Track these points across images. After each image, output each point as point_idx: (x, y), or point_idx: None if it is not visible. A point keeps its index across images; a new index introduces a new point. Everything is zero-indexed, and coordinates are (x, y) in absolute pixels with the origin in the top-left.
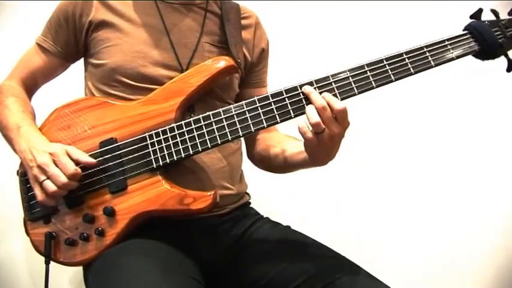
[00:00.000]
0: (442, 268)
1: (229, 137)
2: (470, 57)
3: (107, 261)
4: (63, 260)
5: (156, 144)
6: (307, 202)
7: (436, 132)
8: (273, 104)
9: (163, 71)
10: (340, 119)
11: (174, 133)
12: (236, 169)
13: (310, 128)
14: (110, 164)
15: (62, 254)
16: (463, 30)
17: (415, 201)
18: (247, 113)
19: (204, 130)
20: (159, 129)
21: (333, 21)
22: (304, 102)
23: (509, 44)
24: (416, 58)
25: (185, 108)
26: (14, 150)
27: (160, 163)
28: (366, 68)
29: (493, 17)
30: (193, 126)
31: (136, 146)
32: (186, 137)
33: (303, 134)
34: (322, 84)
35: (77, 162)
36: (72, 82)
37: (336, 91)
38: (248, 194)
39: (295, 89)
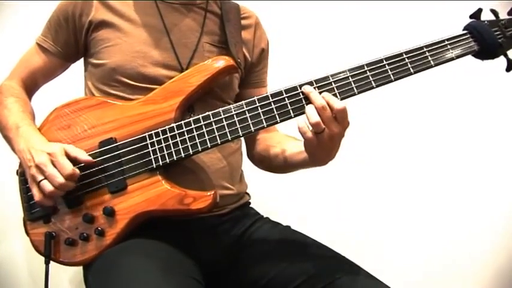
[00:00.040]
0: (443, 268)
1: (229, 137)
2: (469, 57)
3: (107, 261)
4: (63, 260)
5: (156, 144)
6: (307, 202)
7: (436, 132)
8: (272, 103)
9: (163, 71)
10: (340, 119)
11: (173, 133)
12: (236, 169)
13: (310, 128)
14: (109, 163)
15: (62, 254)
16: (463, 30)
17: (415, 201)
18: (247, 112)
19: (204, 130)
20: (159, 129)
21: (333, 21)
22: (304, 102)
23: (508, 43)
24: (416, 58)
25: (185, 108)
26: (13, 150)
27: (160, 163)
28: (366, 68)
29: (492, 17)
30: (193, 126)
31: (135, 146)
32: (186, 137)
33: (302, 133)
34: (322, 84)
35: (75, 161)
36: (72, 82)
37: (336, 91)
38: (248, 194)
39: (294, 88)
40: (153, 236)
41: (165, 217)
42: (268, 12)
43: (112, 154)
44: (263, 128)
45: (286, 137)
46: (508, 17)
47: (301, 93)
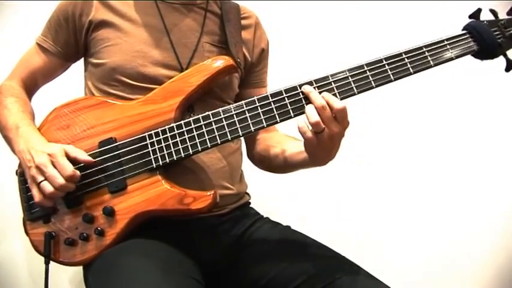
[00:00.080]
0: (442, 268)
1: (229, 137)
2: (469, 57)
3: (106, 261)
4: (63, 260)
5: (156, 144)
6: (307, 202)
7: (435, 132)
8: (272, 103)
9: (163, 70)
10: (340, 119)
11: (173, 133)
12: (236, 169)
13: (310, 128)
14: (109, 163)
15: (62, 254)
16: (462, 30)
17: (415, 201)
18: (246, 112)
19: (204, 130)
20: (159, 129)
21: (333, 21)
22: (304, 102)
23: (508, 43)
24: (416, 58)
25: (184, 108)
26: (13, 150)
27: (160, 163)
28: (366, 68)
29: (492, 17)
30: (192, 126)
31: (135, 146)
32: (186, 136)
33: (302, 133)
34: (322, 84)
35: (75, 161)
36: (72, 82)
37: (336, 91)
38: (248, 194)
39: (294, 88)
40: (153, 236)
41: (165, 217)
42: (268, 12)
43: (112, 154)
44: (263, 128)
45: (286, 137)
46: (507, 17)
47: (301, 93)
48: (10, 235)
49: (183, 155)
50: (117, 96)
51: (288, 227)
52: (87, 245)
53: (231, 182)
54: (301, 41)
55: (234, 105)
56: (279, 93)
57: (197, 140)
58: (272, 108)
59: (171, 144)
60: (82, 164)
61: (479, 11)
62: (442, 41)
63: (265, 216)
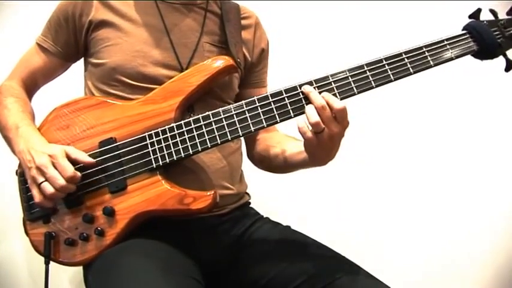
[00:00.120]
0: (442, 268)
1: (229, 137)
2: (469, 57)
3: (106, 261)
4: (63, 260)
5: (156, 144)
6: (307, 202)
7: (435, 132)
8: (272, 103)
9: (163, 70)
10: (340, 119)
11: (173, 133)
12: (236, 169)
13: (310, 128)
14: (109, 163)
15: (62, 254)
16: (462, 30)
17: (415, 201)
18: (246, 112)
19: (204, 130)
20: (159, 129)
21: (333, 21)
22: (304, 102)
23: (507, 44)
24: (416, 58)
25: (184, 107)
26: (13, 151)
27: (160, 163)
28: (366, 68)
29: (491, 17)
30: (192, 126)
31: (135, 146)
32: (186, 136)
33: (302, 133)
34: (322, 84)
35: (76, 162)
36: (72, 82)
37: (336, 91)
38: (248, 194)
39: (294, 88)
40: (153, 236)
41: (165, 217)
42: (268, 12)
43: (112, 154)
44: (263, 128)
45: (286, 137)
46: (507, 17)
47: (301, 93)
48: (10, 235)
49: (183, 155)
50: (117, 96)
51: (288, 227)
52: (87, 245)
53: (231, 182)
54: (301, 41)
55: (234, 105)
56: (279, 93)
57: (197, 140)
58: (272, 108)
59: (171, 144)
60: (82, 165)
61: (479, 11)
62: (442, 41)
63: (265, 216)
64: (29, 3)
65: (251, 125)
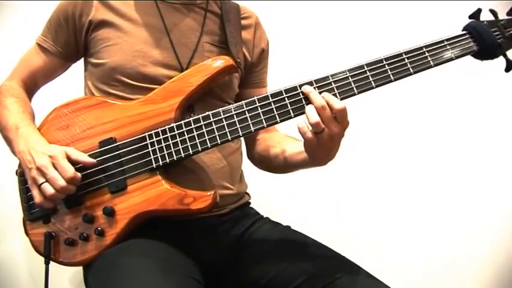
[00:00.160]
0: (442, 268)
1: (229, 137)
2: (469, 57)
3: (107, 261)
4: (63, 260)
5: (156, 144)
6: (307, 202)
7: (435, 132)
8: (272, 103)
9: (163, 70)
10: (340, 119)
11: (173, 133)
12: (236, 169)
13: (310, 128)
14: (109, 163)
15: (62, 254)
16: (462, 30)
17: (415, 201)
18: (247, 112)
19: (204, 130)
20: (159, 129)
21: (333, 21)
22: (304, 102)
23: (508, 44)
24: (416, 58)
25: (185, 108)
26: (13, 151)
27: (160, 163)
28: (366, 68)
29: (491, 17)
30: (192, 126)
31: (135, 146)
32: (186, 136)
33: (302, 134)
34: (322, 84)
35: (76, 163)
36: (72, 82)
37: (336, 91)
38: (248, 194)
39: (294, 88)
40: (153, 236)
41: (165, 217)
42: (268, 12)
43: (112, 154)
44: (263, 128)
45: (286, 137)
46: (507, 17)
47: (301, 93)
48: (10, 235)
49: (183, 155)
50: (117, 96)
51: (288, 227)
52: (87, 245)
53: (231, 182)
54: (301, 41)
55: (234, 105)
56: (279, 93)
57: (197, 140)
58: (272, 108)
59: (171, 144)
60: (81, 165)
61: (479, 11)
62: (442, 41)
63: (265, 216)
64: (29, 3)
65: (251, 125)
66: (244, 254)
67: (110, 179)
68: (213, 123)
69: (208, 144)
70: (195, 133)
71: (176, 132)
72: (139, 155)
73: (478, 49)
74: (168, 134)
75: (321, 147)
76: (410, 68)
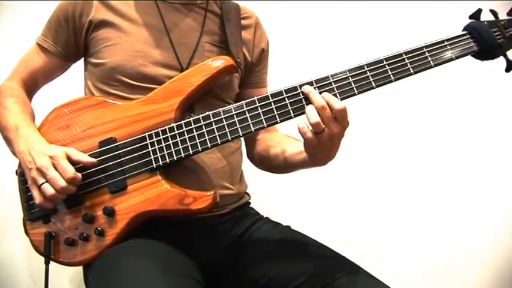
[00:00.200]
0: (442, 268)
1: (229, 137)
2: (469, 57)
3: (107, 261)
4: (63, 260)
5: (156, 144)
6: (307, 202)
7: (435, 133)
8: (272, 103)
9: (163, 70)
10: (340, 119)
11: (173, 133)
12: (236, 169)
13: (310, 128)
14: (109, 163)
15: (62, 254)
16: (462, 30)
17: (415, 201)
18: (247, 112)
19: (204, 130)
20: (159, 129)
21: (333, 21)
22: (304, 102)
23: (508, 44)
24: (416, 58)
25: (185, 107)
26: (13, 151)
27: (160, 163)
28: (366, 68)
29: (492, 18)
30: (193, 126)
31: (135, 146)
32: (186, 136)
33: (302, 134)
34: (322, 84)
35: (77, 164)
36: (72, 82)
37: (336, 91)
38: (248, 194)
39: (295, 88)
40: (153, 236)
41: (165, 217)
42: (268, 12)
43: (112, 154)
44: (263, 128)
45: (286, 137)
46: (507, 17)
47: (301, 93)
48: (10, 235)
49: (183, 155)
50: (117, 96)
51: (288, 227)
52: (87, 245)
53: (231, 182)
54: (301, 41)
55: (234, 105)
56: (279, 93)
57: (197, 140)
58: (272, 108)
59: (171, 144)
60: (81, 165)
61: (479, 11)
62: (443, 41)
63: (265, 216)
64: (29, 3)
65: (251, 125)
66: (244, 254)
67: (109, 179)
68: (213, 123)
69: (209, 144)
70: (195, 133)
71: (176, 132)
72: (139, 155)
73: (478, 49)
74: (168, 134)
75: (321, 147)
76: (411, 68)
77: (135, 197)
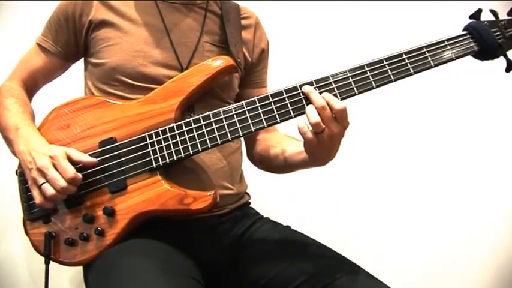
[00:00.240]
0: (442, 268)
1: (229, 137)
2: (469, 57)
3: (107, 261)
4: (63, 260)
5: (156, 144)
6: (307, 202)
7: (436, 133)
8: (273, 103)
9: (163, 70)
10: (340, 119)
11: (173, 133)
12: (236, 169)
13: (310, 128)
14: (109, 163)
15: (62, 254)
16: (463, 30)
17: (415, 201)
18: (247, 112)
19: (204, 130)
20: (159, 129)
21: (333, 21)
22: (304, 102)
23: (508, 44)
24: (416, 58)
25: (185, 108)
26: (13, 151)
27: (160, 163)
28: (366, 68)
29: (492, 18)
30: (193, 126)
31: (135, 146)
32: (186, 136)
33: (302, 134)
34: (322, 84)
35: (78, 163)
36: (72, 82)
37: (336, 91)
38: (248, 194)
39: (295, 89)
40: (153, 236)
41: (165, 217)
42: (268, 12)
43: (112, 154)
44: (263, 128)
45: (286, 137)
46: (507, 17)
47: (301, 93)
48: (10, 235)
49: (183, 155)
50: (117, 96)
51: (288, 227)
52: (87, 245)
53: (231, 182)
54: (301, 41)
55: (235, 105)
56: (280, 93)
57: (197, 140)
58: (272, 108)
59: (171, 144)
60: (81, 165)
61: (479, 11)
62: (443, 41)
63: (265, 216)
64: (29, 3)
65: (251, 125)
66: (244, 254)
67: (109, 179)
68: (213, 123)
69: (209, 144)
70: (195, 133)
71: (176, 132)
72: (139, 155)
73: (478, 49)
74: (168, 134)
75: (321, 147)
76: (411, 68)
77: (135, 197)
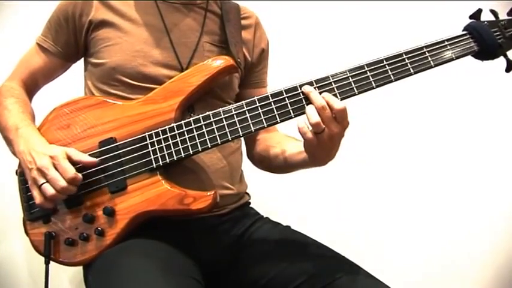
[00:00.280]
0: (442, 268)
1: (229, 137)
2: (469, 57)
3: (107, 261)
4: (63, 260)
5: (156, 144)
6: (307, 202)
7: (436, 133)
8: (273, 103)
9: (163, 70)
10: (340, 119)
11: (173, 133)
12: (236, 169)
13: (310, 128)
14: (109, 163)
15: (62, 254)
16: (463, 30)
17: (415, 201)
18: (247, 112)
19: (204, 130)
20: (159, 129)
21: (333, 21)
22: (304, 102)
23: (508, 44)
24: (416, 58)
25: (185, 108)
26: (13, 151)
27: (160, 163)
28: (366, 68)
29: (492, 18)
30: (193, 126)
31: (135, 146)
32: (186, 136)
33: (302, 134)
34: (322, 84)
35: (78, 163)
36: (72, 82)
37: (336, 91)
38: (248, 194)
39: (295, 88)
40: (153, 236)
41: (165, 217)
42: (268, 12)
43: (112, 154)
44: (263, 128)
45: (286, 137)
46: (507, 17)
47: (301, 93)
48: (10, 235)
49: (183, 155)
50: (117, 96)
51: (288, 227)
52: (87, 245)
53: (231, 182)
54: (301, 41)
55: (235, 105)
56: (280, 93)
57: (197, 140)
58: (272, 108)
59: (171, 144)
60: (81, 165)
61: (479, 11)
62: (443, 41)
63: (265, 216)
64: (29, 3)
65: (251, 125)
66: (244, 254)
67: (109, 179)
68: (213, 123)
69: (209, 144)
70: (195, 133)
71: (176, 132)
72: (139, 155)
73: (478, 49)
74: (168, 134)
75: (321, 147)
76: (411, 68)
77: (135, 197)
